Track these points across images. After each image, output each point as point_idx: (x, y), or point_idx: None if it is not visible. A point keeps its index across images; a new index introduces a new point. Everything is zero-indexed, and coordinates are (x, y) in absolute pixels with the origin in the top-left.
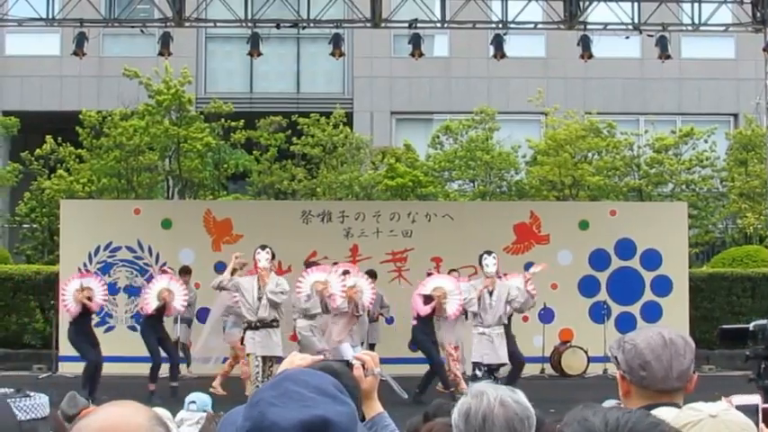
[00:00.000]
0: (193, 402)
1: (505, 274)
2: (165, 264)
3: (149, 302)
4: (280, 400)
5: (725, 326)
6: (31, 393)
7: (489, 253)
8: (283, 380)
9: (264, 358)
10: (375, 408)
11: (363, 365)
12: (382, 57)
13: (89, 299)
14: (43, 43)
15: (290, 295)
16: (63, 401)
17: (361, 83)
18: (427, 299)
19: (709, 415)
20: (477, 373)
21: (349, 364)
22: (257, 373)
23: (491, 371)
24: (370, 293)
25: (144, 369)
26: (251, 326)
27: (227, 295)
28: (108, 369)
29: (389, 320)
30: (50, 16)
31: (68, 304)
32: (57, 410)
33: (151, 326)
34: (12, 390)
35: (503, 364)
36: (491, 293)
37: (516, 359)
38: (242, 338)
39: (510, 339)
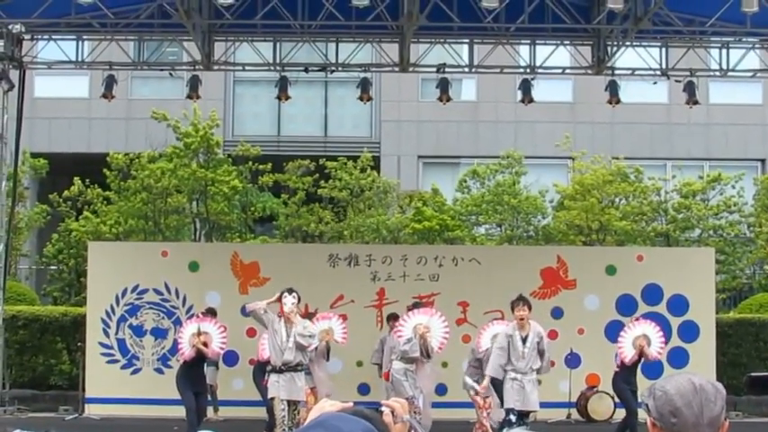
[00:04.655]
0: None
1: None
2: (191, 308)
3: (184, 349)
4: None
5: (753, 374)
6: None
7: (524, 301)
8: (316, 426)
9: (289, 402)
10: None
11: (393, 412)
12: (410, 101)
13: (205, 344)
14: (72, 85)
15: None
16: None
17: (389, 127)
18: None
19: None
20: (512, 417)
21: (378, 411)
22: (283, 417)
23: (521, 416)
24: (441, 336)
25: (170, 411)
26: (275, 369)
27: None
28: (134, 411)
29: None
30: (80, 59)
31: (183, 348)
32: None
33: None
34: None
35: (533, 411)
36: (524, 341)
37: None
38: (265, 381)
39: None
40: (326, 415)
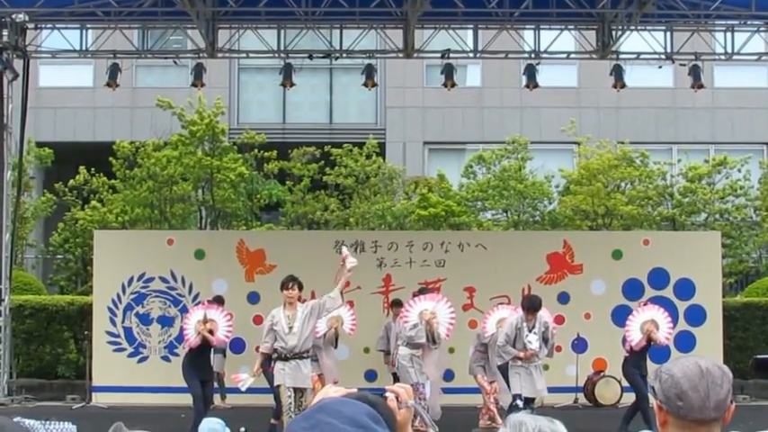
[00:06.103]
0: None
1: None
2: (197, 295)
3: (190, 336)
4: (311, 431)
5: (759, 356)
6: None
7: (539, 309)
8: (317, 411)
9: (295, 389)
10: None
11: (397, 397)
12: (415, 87)
13: (211, 332)
14: (77, 75)
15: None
16: (110, 430)
17: (394, 113)
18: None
19: None
20: (519, 403)
21: (383, 396)
22: (290, 404)
23: (527, 402)
24: (448, 322)
25: (178, 399)
26: (281, 356)
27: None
28: (141, 399)
29: None
30: (84, 48)
31: (189, 335)
32: None
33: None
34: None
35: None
36: (531, 330)
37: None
38: (271, 369)
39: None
40: (327, 399)
